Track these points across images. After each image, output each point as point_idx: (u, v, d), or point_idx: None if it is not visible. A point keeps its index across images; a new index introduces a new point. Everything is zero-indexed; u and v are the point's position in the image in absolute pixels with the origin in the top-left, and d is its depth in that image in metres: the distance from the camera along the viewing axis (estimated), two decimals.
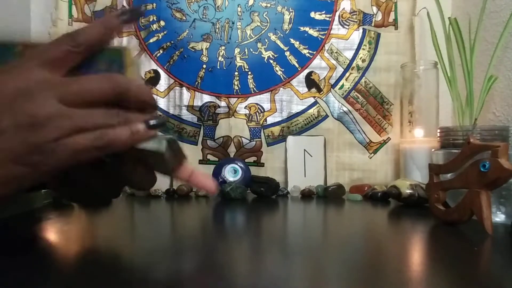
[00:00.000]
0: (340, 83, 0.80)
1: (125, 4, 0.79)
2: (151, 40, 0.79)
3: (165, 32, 0.79)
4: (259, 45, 0.80)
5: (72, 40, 0.28)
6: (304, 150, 0.76)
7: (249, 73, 0.80)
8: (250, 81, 0.80)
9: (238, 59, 0.79)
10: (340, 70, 0.80)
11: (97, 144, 0.27)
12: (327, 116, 0.80)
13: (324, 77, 0.80)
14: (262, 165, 0.79)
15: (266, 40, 0.80)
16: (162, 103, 0.79)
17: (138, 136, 0.28)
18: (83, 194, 0.36)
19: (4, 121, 0.25)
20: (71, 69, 0.28)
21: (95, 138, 0.27)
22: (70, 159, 0.27)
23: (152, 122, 0.29)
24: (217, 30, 0.79)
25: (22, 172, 0.26)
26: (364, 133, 0.79)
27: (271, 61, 0.80)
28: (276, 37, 0.80)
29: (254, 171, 0.76)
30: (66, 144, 0.26)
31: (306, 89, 0.80)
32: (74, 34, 0.28)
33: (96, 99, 0.27)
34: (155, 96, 0.80)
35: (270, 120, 0.80)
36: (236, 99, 0.80)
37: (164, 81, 0.79)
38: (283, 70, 0.80)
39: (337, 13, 0.79)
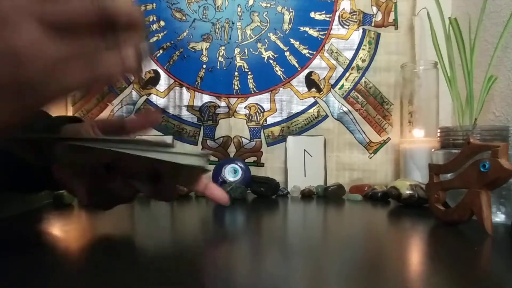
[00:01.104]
0: (340, 83, 0.80)
1: None
2: (151, 40, 0.79)
3: (165, 32, 0.79)
4: (259, 45, 0.80)
5: None
6: (304, 150, 0.76)
7: (249, 73, 0.80)
8: (250, 81, 0.80)
9: (238, 59, 0.79)
10: (340, 70, 0.80)
11: (88, 76, 0.24)
12: (327, 116, 0.80)
13: (324, 77, 0.80)
14: (262, 165, 0.79)
15: (266, 40, 0.80)
16: (162, 103, 0.79)
17: (129, 64, 0.26)
18: (106, 199, 0.36)
19: None
20: None
21: (84, 69, 0.24)
22: (58, 93, 0.25)
23: (142, 49, 0.26)
24: (217, 30, 0.79)
25: (7, 109, 0.24)
26: (364, 133, 0.79)
27: (271, 61, 0.80)
28: (276, 37, 0.80)
29: (254, 171, 0.76)
30: (53, 77, 0.23)
31: (306, 89, 0.80)
32: None
33: (80, 20, 0.24)
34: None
35: (270, 120, 0.80)
36: (236, 99, 0.80)
37: (164, 81, 0.79)
38: (283, 70, 0.80)
39: (337, 13, 0.79)
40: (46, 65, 0.23)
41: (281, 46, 0.80)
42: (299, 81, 0.80)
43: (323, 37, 0.80)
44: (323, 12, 0.79)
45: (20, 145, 0.33)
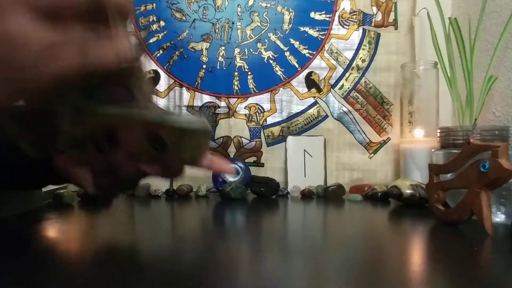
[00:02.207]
0: (340, 83, 0.80)
1: None
2: (151, 40, 0.79)
3: (165, 32, 0.79)
4: (259, 45, 0.80)
5: None
6: (304, 150, 0.76)
7: (249, 73, 0.80)
8: (250, 81, 0.80)
9: (238, 59, 0.79)
10: (340, 70, 0.80)
11: (82, 61, 0.24)
12: (327, 116, 0.80)
13: (324, 77, 0.80)
14: (262, 165, 0.79)
15: (266, 40, 0.80)
16: (162, 103, 0.79)
17: (122, 55, 0.26)
18: (111, 181, 0.35)
19: None
20: None
21: (79, 54, 0.24)
22: (51, 80, 0.24)
23: (136, 40, 0.27)
24: (217, 30, 0.79)
25: (1, 94, 0.24)
26: (364, 133, 0.79)
27: (271, 61, 0.80)
28: (276, 37, 0.80)
29: (254, 171, 0.76)
30: (47, 63, 0.24)
31: (306, 89, 0.80)
32: None
33: (70, 6, 0.24)
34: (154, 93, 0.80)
35: (270, 120, 0.80)
36: (236, 99, 0.80)
37: (164, 81, 0.79)
38: (283, 70, 0.80)
39: (337, 13, 0.79)
40: (36, 50, 0.23)
41: (281, 46, 0.80)
42: (299, 81, 0.80)
43: (323, 37, 0.80)
44: (323, 12, 0.79)
45: (19, 131, 0.32)
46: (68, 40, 0.24)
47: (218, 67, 0.79)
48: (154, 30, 0.79)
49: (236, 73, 0.79)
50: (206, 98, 0.80)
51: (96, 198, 0.38)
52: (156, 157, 0.33)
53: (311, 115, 0.80)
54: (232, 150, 0.79)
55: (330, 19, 0.80)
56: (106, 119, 0.31)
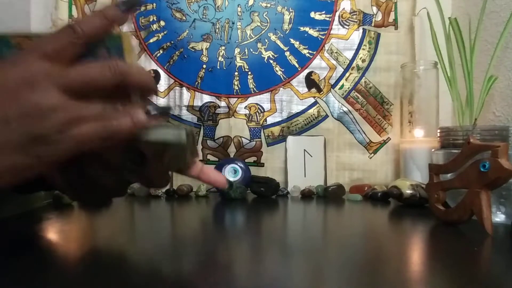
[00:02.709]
0: (340, 83, 0.80)
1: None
2: (151, 40, 0.79)
3: (165, 32, 0.79)
4: (259, 45, 0.80)
5: (73, 32, 0.28)
6: (304, 150, 0.76)
7: (249, 73, 0.80)
8: (250, 81, 0.80)
9: (238, 59, 0.79)
10: (340, 70, 0.80)
11: (101, 134, 0.27)
12: (327, 116, 0.80)
13: (324, 77, 0.80)
14: (262, 165, 0.79)
15: (266, 40, 0.80)
16: (162, 103, 0.79)
17: (140, 125, 0.28)
18: (91, 192, 0.35)
19: (9, 111, 0.25)
20: (71, 59, 0.29)
21: (98, 128, 0.27)
22: (73, 150, 0.27)
23: (153, 110, 0.29)
24: (217, 30, 0.79)
25: (24, 163, 0.26)
26: (364, 133, 0.79)
27: (271, 61, 0.80)
28: (276, 37, 0.80)
29: (254, 171, 0.76)
30: (70, 135, 0.26)
31: (306, 89, 0.80)
32: (75, 26, 0.28)
33: (98, 86, 0.28)
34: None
35: (270, 120, 0.80)
36: (236, 99, 0.80)
37: (164, 81, 0.79)
38: (283, 70, 0.80)
39: (337, 13, 0.79)
40: (61, 122, 0.26)
41: (281, 46, 0.80)
42: (299, 81, 0.80)
43: (323, 37, 0.80)
44: (323, 12, 0.79)
45: None
46: (90, 113, 0.27)
47: (218, 67, 0.79)
48: (154, 30, 0.79)
49: (236, 73, 0.79)
50: (206, 98, 0.79)
51: (87, 204, 0.38)
52: (135, 170, 0.33)
53: (311, 115, 0.80)
54: (232, 150, 0.79)
55: (330, 19, 0.80)
56: None
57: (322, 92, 0.80)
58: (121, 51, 0.31)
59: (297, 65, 0.80)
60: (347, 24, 0.80)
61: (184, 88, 0.79)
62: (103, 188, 0.34)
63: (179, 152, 0.30)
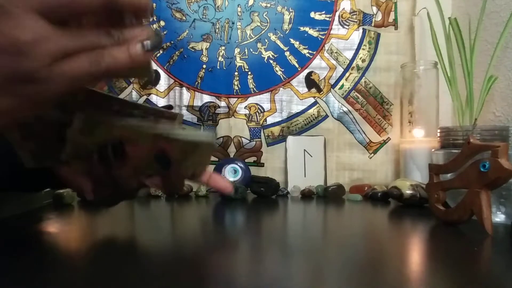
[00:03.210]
0: (340, 83, 0.80)
1: None
2: (161, 33, 0.79)
3: (165, 32, 0.79)
4: (259, 45, 0.80)
5: None
6: (304, 150, 0.76)
7: (249, 73, 0.80)
8: (250, 81, 0.80)
9: (238, 59, 0.79)
10: (340, 70, 0.80)
11: (94, 69, 0.24)
12: (327, 116, 0.80)
13: (324, 77, 0.80)
14: (262, 165, 0.79)
15: (266, 40, 0.80)
16: (162, 103, 0.79)
17: (136, 58, 0.25)
18: (111, 193, 0.35)
19: None
20: None
21: (91, 62, 0.24)
22: (66, 87, 0.24)
23: (149, 43, 0.25)
24: (217, 30, 0.79)
25: (11, 104, 0.23)
26: (364, 133, 0.79)
27: (271, 61, 0.80)
28: (276, 37, 0.80)
29: (254, 171, 0.76)
30: (60, 70, 0.23)
31: (306, 89, 0.80)
32: None
33: (84, 9, 0.24)
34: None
35: (270, 120, 0.80)
36: (236, 99, 0.80)
37: (164, 81, 0.79)
38: (283, 70, 0.80)
39: (337, 13, 0.79)
40: (50, 58, 0.22)
41: (281, 46, 0.80)
42: (299, 81, 0.80)
43: (323, 37, 0.80)
44: (323, 12, 0.79)
45: (20, 141, 0.32)
46: (81, 45, 0.24)
47: (218, 67, 0.79)
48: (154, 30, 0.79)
49: (236, 73, 0.79)
50: (206, 98, 0.79)
51: (93, 203, 0.38)
52: (159, 172, 0.33)
53: (311, 115, 0.80)
54: (232, 150, 0.79)
55: (330, 19, 0.80)
56: (115, 130, 0.31)
57: (322, 92, 0.80)
58: None
59: (297, 65, 0.80)
60: (347, 24, 0.80)
61: (184, 88, 0.79)
62: (124, 190, 0.34)
63: (206, 153, 0.31)
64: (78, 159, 0.32)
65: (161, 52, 0.79)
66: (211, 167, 0.72)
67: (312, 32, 0.80)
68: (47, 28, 0.22)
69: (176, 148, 0.31)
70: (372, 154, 0.79)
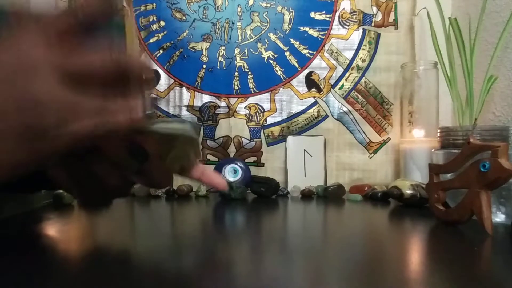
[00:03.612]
0: (340, 83, 0.80)
1: (125, 4, 0.79)
2: (151, 40, 0.79)
3: (165, 32, 0.79)
4: (259, 45, 0.80)
5: (75, 15, 0.26)
6: (304, 150, 0.76)
7: (249, 73, 0.80)
8: (250, 81, 0.80)
9: (238, 59, 0.79)
10: (340, 70, 0.80)
11: (98, 130, 0.26)
12: (327, 116, 0.80)
13: (324, 77, 0.80)
14: (262, 165, 0.79)
15: (266, 40, 0.80)
16: (162, 103, 0.79)
17: (136, 120, 0.27)
18: (96, 192, 0.35)
19: (6, 102, 0.23)
20: (71, 45, 0.26)
21: (96, 125, 0.25)
22: (69, 145, 0.25)
23: (149, 110, 0.28)
24: (217, 30, 0.79)
25: (21, 157, 0.25)
26: (364, 133, 0.79)
27: (271, 61, 0.80)
28: (276, 37, 0.80)
29: (254, 171, 0.76)
30: (67, 131, 0.25)
31: (306, 89, 0.80)
32: (78, 9, 0.27)
33: (98, 75, 0.26)
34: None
35: (270, 120, 0.80)
36: (236, 99, 0.80)
37: (164, 81, 0.79)
38: (283, 70, 0.80)
39: (337, 13, 0.79)
40: (59, 111, 0.24)
41: (281, 46, 0.80)
42: (299, 81, 0.80)
43: (323, 37, 0.80)
44: (323, 12, 0.79)
45: None
46: (88, 107, 0.25)
47: (218, 67, 0.79)
48: (154, 30, 0.79)
49: (236, 73, 0.79)
50: (206, 98, 0.79)
51: (85, 206, 0.37)
52: (139, 167, 0.33)
53: (311, 115, 0.80)
54: (232, 150, 0.79)
55: (330, 19, 0.80)
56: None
57: (322, 92, 0.80)
58: (123, 35, 0.30)
59: (297, 65, 0.80)
60: (347, 24, 0.80)
61: (184, 88, 0.79)
62: (108, 188, 0.34)
63: (186, 148, 0.30)
64: (59, 164, 0.32)
65: (161, 52, 0.79)
66: (211, 167, 0.72)
67: (312, 32, 0.80)
68: (64, 92, 0.24)
69: (151, 140, 0.31)
70: (372, 154, 0.79)
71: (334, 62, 0.80)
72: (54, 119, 0.24)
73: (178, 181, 0.71)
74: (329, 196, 0.67)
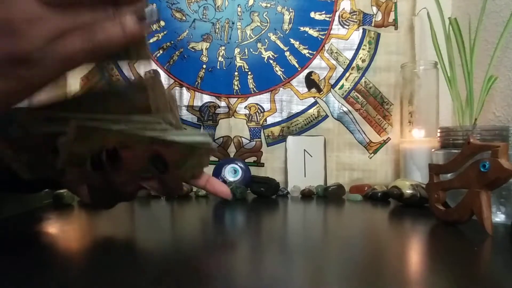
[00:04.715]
0: (340, 83, 0.80)
1: None
2: (151, 40, 0.79)
3: (165, 32, 0.79)
4: (259, 45, 0.80)
5: None
6: (304, 150, 0.76)
7: (249, 73, 0.80)
8: (250, 81, 0.80)
9: (238, 59, 0.79)
10: (340, 70, 0.80)
11: (87, 46, 0.23)
12: (327, 116, 0.80)
13: (324, 77, 0.80)
14: (262, 165, 0.79)
15: (266, 40, 0.80)
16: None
17: (130, 32, 0.24)
18: (108, 196, 0.35)
19: None
20: None
21: (84, 40, 0.23)
22: (60, 68, 0.24)
23: (143, 13, 0.25)
24: (217, 30, 0.79)
25: (7, 87, 0.23)
26: (364, 133, 0.79)
27: (271, 61, 0.80)
28: (276, 37, 0.80)
29: (254, 171, 0.76)
30: (54, 51, 0.23)
31: (306, 89, 0.80)
32: None
33: None
34: None
35: (270, 120, 0.80)
36: (236, 99, 0.80)
37: (164, 81, 0.79)
38: (283, 70, 0.80)
39: (337, 13, 0.79)
40: (44, 39, 0.22)
41: (281, 46, 0.80)
42: (299, 81, 0.80)
43: (323, 37, 0.80)
44: (323, 12, 0.79)
45: (14, 156, 0.32)
46: (75, 24, 0.23)
47: (218, 67, 0.79)
48: (154, 30, 0.79)
49: (236, 73, 0.79)
50: (206, 98, 0.79)
51: (90, 206, 0.38)
52: (156, 175, 0.33)
53: (311, 115, 0.80)
54: (232, 150, 0.79)
55: (330, 19, 0.80)
56: (110, 136, 0.30)
57: (322, 92, 0.80)
58: None
59: (297, 65, 0.80)
60: (347, 24, 0.80)
61: (184, 88, 0.79)
62: (122, 195, 0.34)
63: (203, 156, 0.31)
64: (74, 167, 0.32)
65: (161, 52, 0.79)
66: (210, 171, 0.72)
67: (312, 32, 0.80)
68: (41, 9, 0.22)
69: (172, 151, 0.31)
70: (372, 154, 0.79)
71: (334, 62, 0.80)
72: (37, 39, 0.22)
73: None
74: (329, 196, 0.67)
